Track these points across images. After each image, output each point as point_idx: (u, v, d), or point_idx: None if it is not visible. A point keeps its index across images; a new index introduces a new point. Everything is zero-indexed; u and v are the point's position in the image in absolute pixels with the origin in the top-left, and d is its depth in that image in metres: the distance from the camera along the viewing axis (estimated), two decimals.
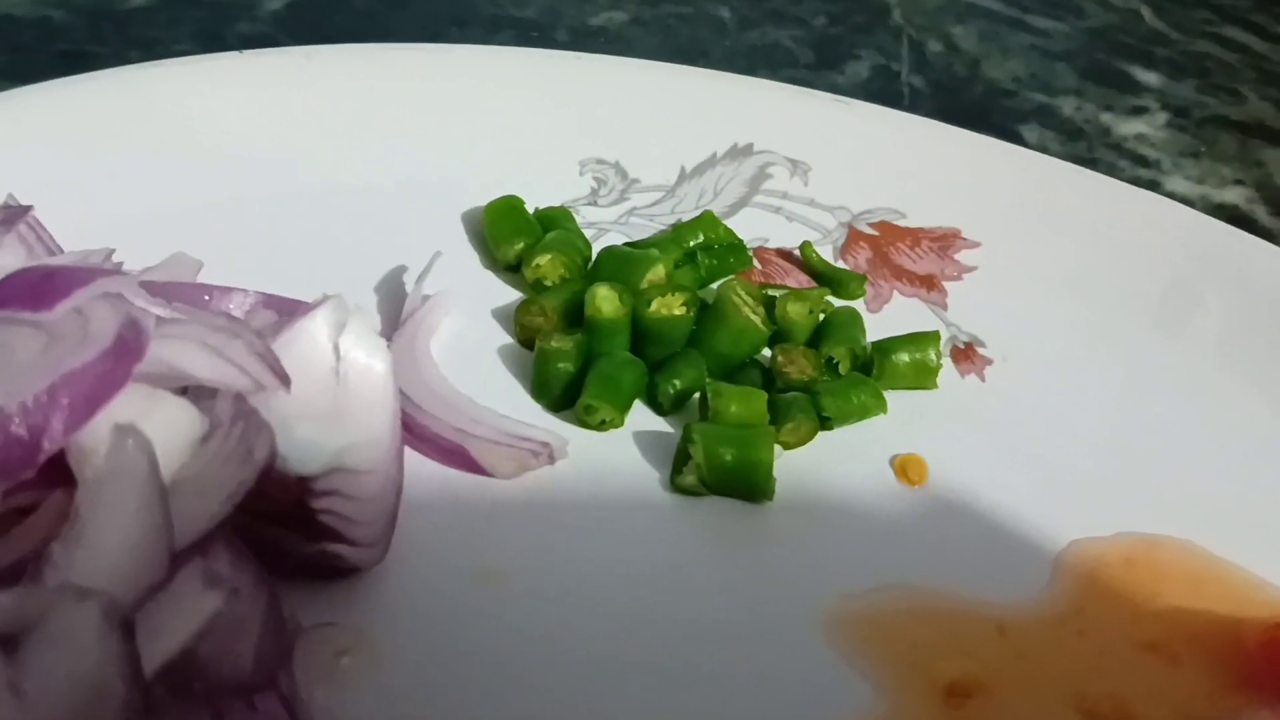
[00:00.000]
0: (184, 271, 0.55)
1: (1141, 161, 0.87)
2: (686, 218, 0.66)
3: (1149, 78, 0.96)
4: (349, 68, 0.69)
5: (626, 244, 0.64)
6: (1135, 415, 0.61)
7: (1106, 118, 0.91)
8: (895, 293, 0.66)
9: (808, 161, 0.70)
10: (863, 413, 0.58)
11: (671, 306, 0.59)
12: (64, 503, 0.41)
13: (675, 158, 0.70)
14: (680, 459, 0.55)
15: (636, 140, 0.70)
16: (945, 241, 0.68)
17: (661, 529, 0.53)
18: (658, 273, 0.61)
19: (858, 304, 0.64)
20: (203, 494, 0.42)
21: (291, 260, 0.59)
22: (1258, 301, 0.65)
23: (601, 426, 0.56)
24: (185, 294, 0.51)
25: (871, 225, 0.69)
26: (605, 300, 0.58)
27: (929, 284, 0.66)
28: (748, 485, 0.54)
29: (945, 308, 0.65)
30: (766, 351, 0.60)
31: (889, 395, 0.59)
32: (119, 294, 0.43)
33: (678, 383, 0.57)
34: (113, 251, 0.52)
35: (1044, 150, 0.83)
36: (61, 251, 0.53)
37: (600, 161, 0.69)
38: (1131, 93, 0.94)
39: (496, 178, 0.65)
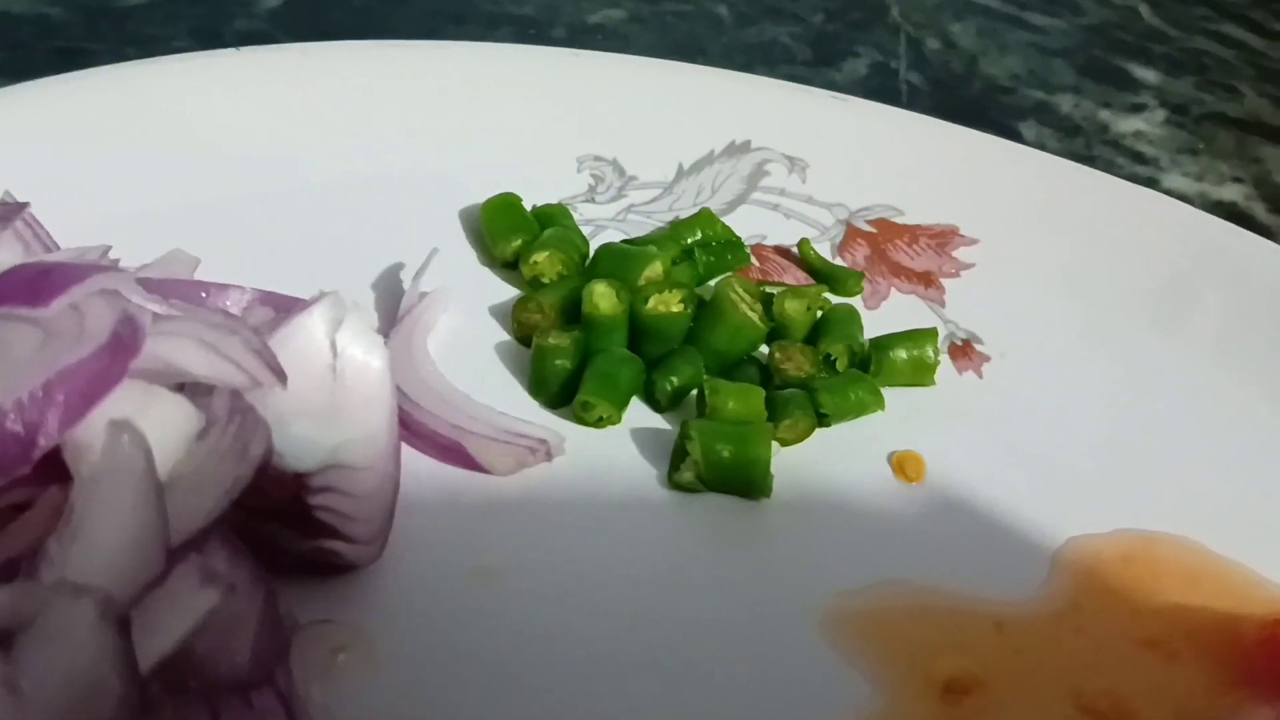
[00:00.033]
0: (180, 268, 0.55)
1: (1139, 158, 0.87)
2: (684, 215, 0.66)
3: (1147, 75, 0.96)
4: (346, 65, 0.69)
5: (624, 241, 0.64)
6: (1133, 412, 0.61)
7: (1104, 115, 0.91)
8: (893, 290, 0.66)
9: (805, 158, 0.70)
10: (860, 409, 0.58)
11: (669, 303, 0.59)
12: (60, 499, 0.41)
13: (673, 155, 0.70)
14: (678, 456, 0.55)
15: (634, 137, 0.70)
16: (943, 238, 0.68)
17: (659, 526, 0.53)
18: (655, 270, 0.61)
19: (855, 301, 0.64)
20: (199, 490, 0.42)
21: (288, 257, 0.59)
22: (1256, 298, 0.65)
23: (599, 423, 0.56)
24: (182, 291, 0.51)
25: (869, 222, 0.69)
26: (603, 297, 0.58)
27: (927, 281, 0.66)
28: (745, 482, 0.54)
29: (943, 305, 0.65)
30: (764, 348, 0.60)
31: (887, 392, 0.59)
32: (115, 290, 0.43)
33: (675, 379, 0.57)
34: (109, 248, 0.52)
35: (1042, 147, 0.82)
36: (58, 248, 0.53)
37: (598, 158, 0.69)
38: (1130, 90, 0.94)
39: (494, 175, 0.65)
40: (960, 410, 0.60)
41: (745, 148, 0.71)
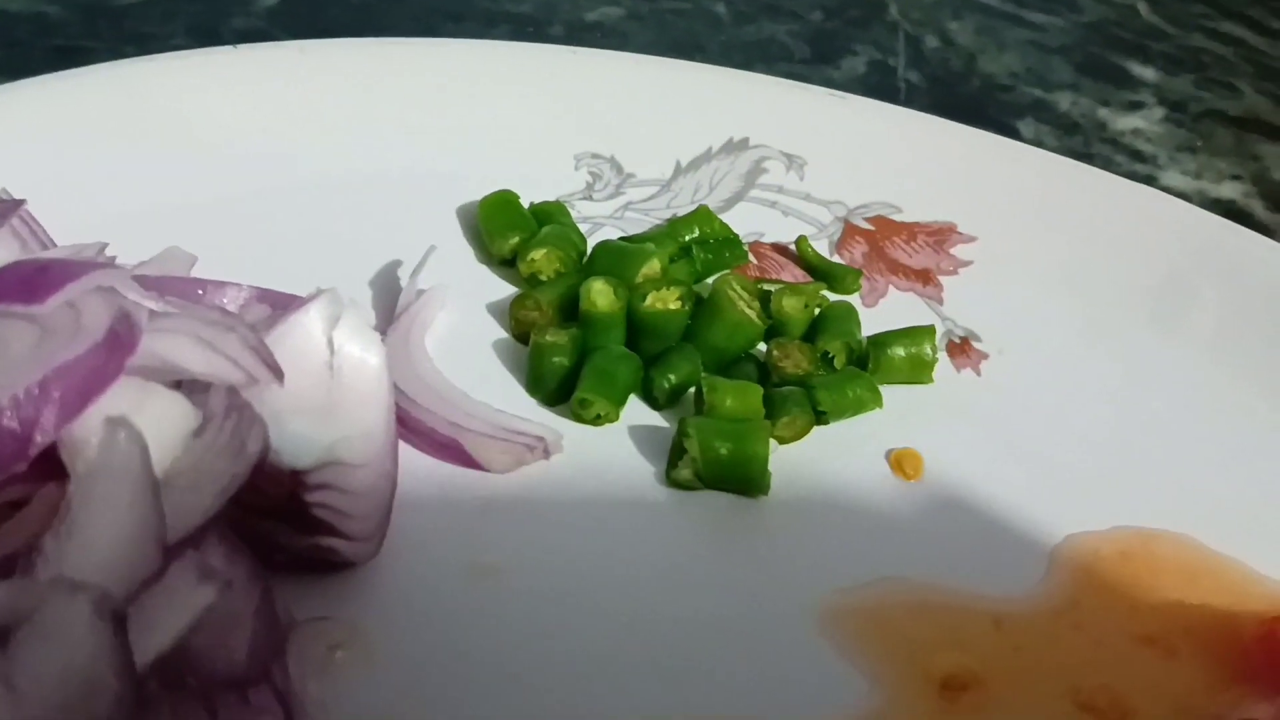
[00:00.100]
0: (178, 266, 0.55)
1: (1138, 156, 0.87)
2: (682, 212, 0.66)
3: (1145, 72, 0.96)
4: (343, 62, 0.69)
5: (622, 238, 0.64)
6: (1131, 409, 0.61)
7: (1103, 112, 0.91)
8: (891, 287, 0.66)
9: (803, 156, 0.70)
10: (858, 407, 0.58)
11: (667, 301, 0.59)
12: (56, 496, 0.41)
13: (670, 152, 0.70)
14: (675, 453, 0.55)
15: (632, 135, 0.69)
16: (941, 236, 0.68)
17: (657, 523, 0.53)
18: (653, 267, 0.61)
19: (853, 298, 0.64)
20: (196, 487, 0.42)
21: (286, 254, 0.59)
22: (1254, 296, 0.65)
23: (597, 421, 0.56)
24: (179, 288, 0.51)
25: (867, 220, 0.69)
26: (600, 294, 0.58)
27: (925, 278, 0.66)
28: (743, 479, 0.54)
29: (941, 302, 0.65)
30: (762, 346, 0.60)
31: (884, 389, 0.59)
32: (112, 288, 0.43)
33: (673, 377, 0.57)
34: (106, 245, 0.52)
35: (1040, 145, 0.82)
36: (55, 246, 0.53)
37: (595, 156, 0.69)
38: (1128, 87, 0.94)
39: (491, 172, 0.65)
40: (958, 408, 0.60)
41: (743, 145, 0.71)
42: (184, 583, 0.40)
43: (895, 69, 0.92)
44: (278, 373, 0.45)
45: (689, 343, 0.59)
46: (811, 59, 0.91)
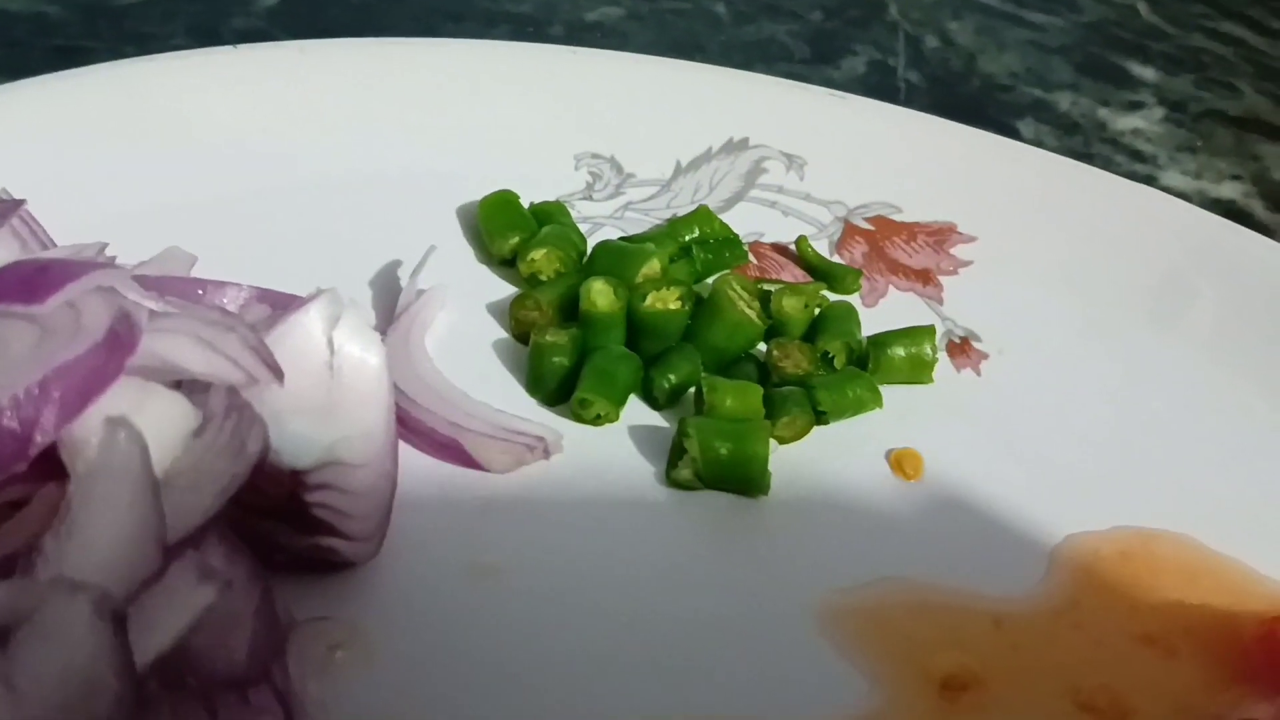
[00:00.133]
0: (178, 266, 0.55)
1: (1138, 156, 0.87)
2: (682, 212, 0.66)
3: (1145, 72, 0.96)
4: (343, 62, 0.69)
5: (622, 238, 0.64)
6: (1131, 409, 0.61)
7: (1103, 112, 0.91)
8: (891, 287, 0.66)
9: (803, 156, 0.70)
10: (858, 407, 0.58)
11: (667, 301, 0.59)
12: (56, 496, 0.41)
13: (670, 152, 0.70)
14: (675, 453, 0.55)
15: (632, 135, 0.69)
16: (941, 236, 0.68)
17: (657, 523, 0.53)
18: (653, 267, 0.61)
19: (853, 298, 0.64)
20: (196, 487, 0.42)
21: (286, 255, 0.59)
22: (1254, 296, 0.65)
23: (596, 421, 0.56)
24: (179, 288, 0.51)
25: (867, 220, 0.69)
26: (600, 294, 0.58)
27: (925, 278, 0.66)
28: (743, 479, 0.54)
29: (941, 302, 0.65)
30: (762, 346, 0.60)
31: (885, 390, 0.59)
32: (112, 287, 0.43)
33: (673, 377, 0.57)
34: (106, 245, 0.52)
35: (1040, 145, 0.82)
36: (55, 246, 0.53)
37: (595, 156, 0.69)
38: (1128, 87, 0.94)
39: (491, 172, 0.65)
40: (958, 408, 0.60)
41: (743, 145, 0.71)
42: (184, 583, 0.40)
43: (895, 69, 0.92)
44: (278, 373, 0.45)
45: (689, 343, 0.59)
46: (811, 59, 0.91)
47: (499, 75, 0.70)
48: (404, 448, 0.51)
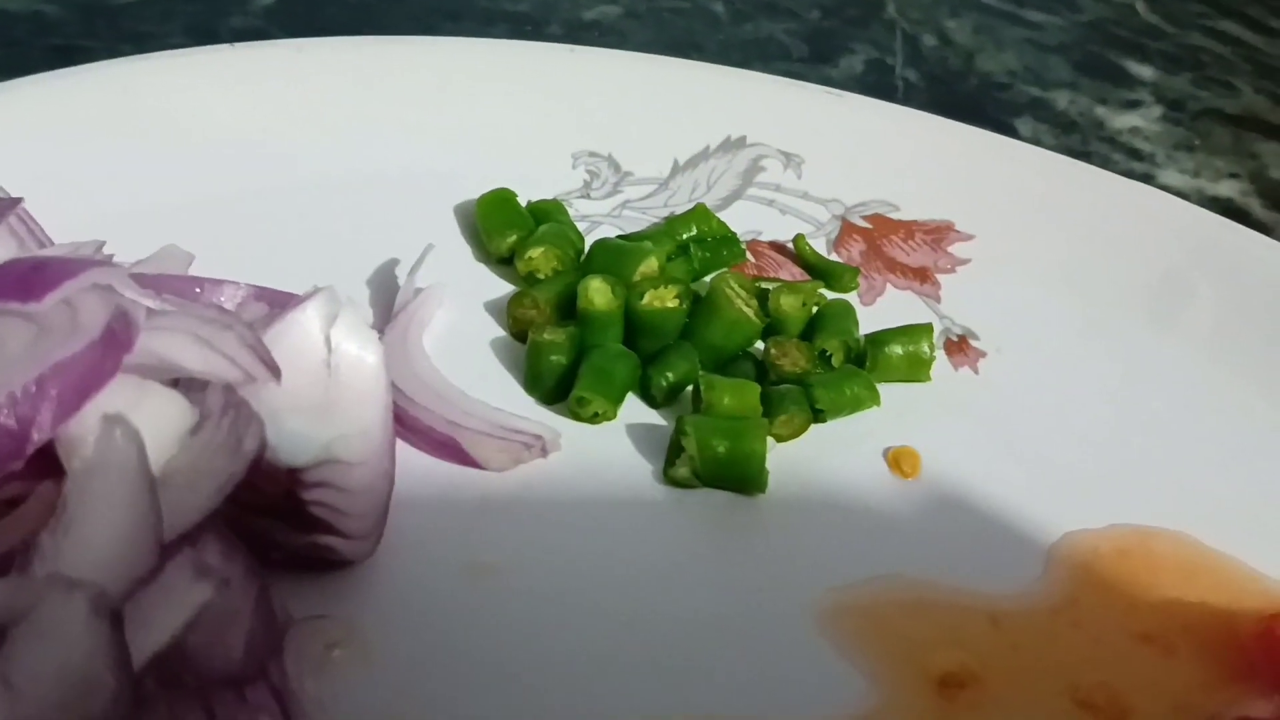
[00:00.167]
0: (175, 264, 0.55)
1: (1136, 155, 0.87)
2: (679, 210, 0.66)
3: (1143, 71, 0.96)
4: (341, 61, 0.69)
5: (619, 237, 0.64)
6: (1129, 407, 0.61)
7: (1101, 111, 0.91)
8: (888, 285, 0.66)
9: (801, 154, 0.70)
10: (856, 405, 0.58)
11: (664, 299, 0.59)
12: (53, 494, 0.41)
13: (668, 151, 0.70)
14: (673, 451, 0.55)
15: (629, 133, 0.69)
16: (939, 234, 0.68)
17: (654, 522, 0.53)
18: (650, 265, 0.61)
19: (851, 297, 0.64)
20: (192, 485, 0.42)
21: (283, 253, 0.59)
22: (1251, 294, 0.65)
23: (594, 419, 0.56)
24: (176, 286, 0.51)
25: (865, 218, 0.69)
26: (598, 293, 0.58)
27: (922, 276, 0.66)
28: (741, 477, 0.54)
29: (939, 300, 0.65)
30: (760, 344, 0.60)
31: (882, 388, 0.59)
32: (109, 286, 0.43)
33: (670, 375, 0.57)
34: (103, 244, 0.52)
35: (1038, 143, 0.82)
36: (52, 244, 0.53)
37: (593, 154, 0.69)
38: (1126, 86, 0.94)
39: (489, 171, 0.65)
40: (956, 406, 0.60)
41: (741, 143, 0.71)
42: (181, 580, 0.40)
43: (893, 67, 0.92)
44: (275, 371, 0.45)
45: (687, 341, 0.59)
46: (809, 57, 0.91)
47: (497, 74, 0.70)
48: (401, 446, 0.51)
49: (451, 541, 0.50)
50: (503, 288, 0.62)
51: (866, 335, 0.61)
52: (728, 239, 0.65)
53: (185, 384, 0.44)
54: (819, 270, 0.65)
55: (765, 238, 0.67)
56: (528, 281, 0.61)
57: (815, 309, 0.61)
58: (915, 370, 0.60)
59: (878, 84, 0.89)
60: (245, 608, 0.42)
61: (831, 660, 0.49)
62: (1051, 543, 0.54)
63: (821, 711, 0.47)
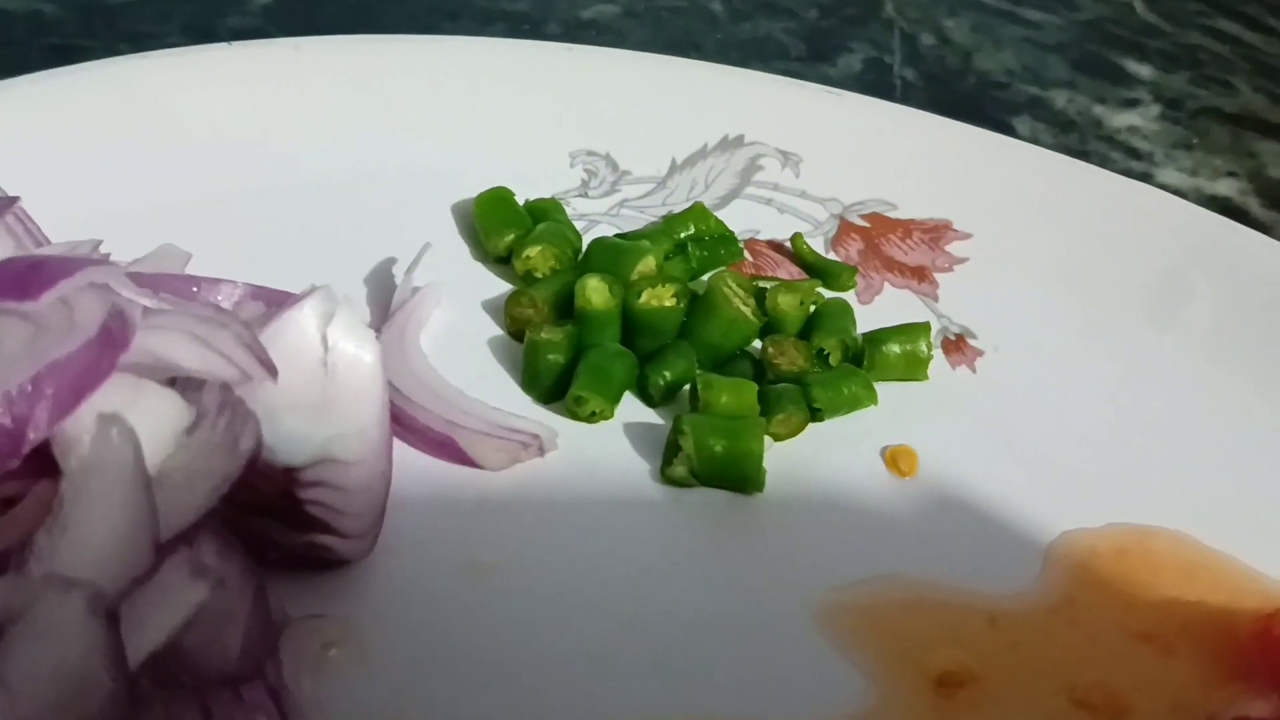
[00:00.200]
0: (172, 263, 0.55)
1: (1134, 153, 0.87)
2: (677, 209, 0.66)
3: (1141, 70, 0.96)
4: (339, 60, 0.69)
5: (617, 235, 0.64)
6: (1127, 406, 0.61)
7: (1099, 110, 0.91)
8: (886, 284, 0.66)
9: (799, 153, 0.70)
10: (853, 404, 0.58)
11: (662, 298, 0.59)
12: (49, 493, 0.41)
13: (666, 149, 0.70)
14: (671, 450, 0.55)
15: (627, 132, 0.69)
16: (936, 233, 0.68)
17: (652, 520, 0.53)
18: (648, 264, 0.61)
19: (849, 295, 0.64)
20: (189, 484, 0.42)
21: (280, 252, 0.59)
22: (1250, 293, 0.65)
23: (592, 418, 0.56)
24: (173, 285, 0.51)
25: (863, 217, 0.69)
26: (595, 292, 0.58)
27: (920, 275, 0.66)
28: (738, 476, 0.54)
29: (936, 299, 0.65)
30: (757, 343, 0.60)
31: (880, 386, 0.59)
32: (105, 284, 0.43)
33: (668, 374, 0.57)
34: (100, 243, 0.52)
35: (1036, 142, 0.82)
36: (49, 243, 0.53)
37: (591, 153, 0.69)
38: (1124, 85, 0.94)
39: (487, 169, 0.65)
40: (953, 405, 0.60)
41: (739, 142, 0.71)
42: (177, 580, 0.40)
43: (891, 66, 0.92)
44: (271, 370, 0.45)
45: (684, 340, 0.59)
46: (807, 56, 0.91)
47: (495, 73, 0.70)
48: (398, 445, 0.51)
49: (449, 541, 0.50)
50: (500, 286, 0.62)
51: (864, 334, 0.61)
52: (725, 238, 0.65)
53: (182, 383, 0.44)
54: (817, 269, 0.65)
55: (763, 236, 0.67)
56: (525, 280, 0.61)
57: (813, 308, 0.61)
58: (913, 369, 0.60)
59: (876, 83, 0.89)
60: (242, 607, 0.42)
61: (830, 659, 0.49)
62: (1049, 542, 0.54)
63: (820, 711, 0.47)
